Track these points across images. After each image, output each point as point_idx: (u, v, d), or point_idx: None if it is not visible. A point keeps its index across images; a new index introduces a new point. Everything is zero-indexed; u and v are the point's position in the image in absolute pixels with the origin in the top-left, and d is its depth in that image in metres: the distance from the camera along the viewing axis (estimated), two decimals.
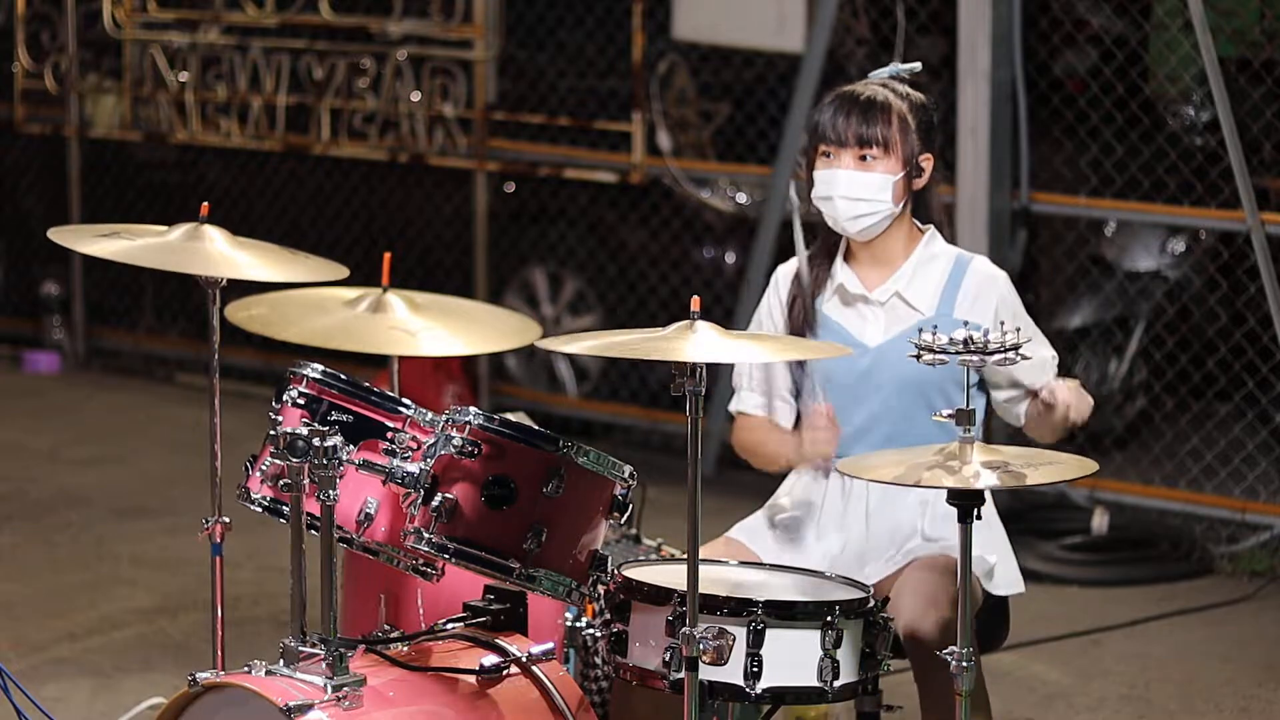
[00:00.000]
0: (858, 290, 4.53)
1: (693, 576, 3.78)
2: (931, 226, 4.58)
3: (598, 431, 8.95)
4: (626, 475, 4.11)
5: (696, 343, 3.83)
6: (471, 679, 4.13)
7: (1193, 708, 6.04)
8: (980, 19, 7.60)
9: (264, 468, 4.14)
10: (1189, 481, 7.72)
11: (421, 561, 4.14)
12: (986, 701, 4.46)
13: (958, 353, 3.83)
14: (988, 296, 4.49)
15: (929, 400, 4.41)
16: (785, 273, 4.65)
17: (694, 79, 8.94)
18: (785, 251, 4.86)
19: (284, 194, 9.99)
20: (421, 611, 4.52)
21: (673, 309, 8.37)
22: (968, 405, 3.85)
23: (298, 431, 3.93)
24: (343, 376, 4.20)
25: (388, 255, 5.09)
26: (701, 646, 3.79)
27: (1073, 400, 4.32)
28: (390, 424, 4.14)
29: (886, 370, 4.46)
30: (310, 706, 3.86)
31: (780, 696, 3.98)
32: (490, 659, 4.16)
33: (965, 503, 3.78)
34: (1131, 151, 7.81)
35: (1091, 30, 8.45)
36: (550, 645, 4.27)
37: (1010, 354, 3.85)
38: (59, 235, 4.42)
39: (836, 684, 3.98)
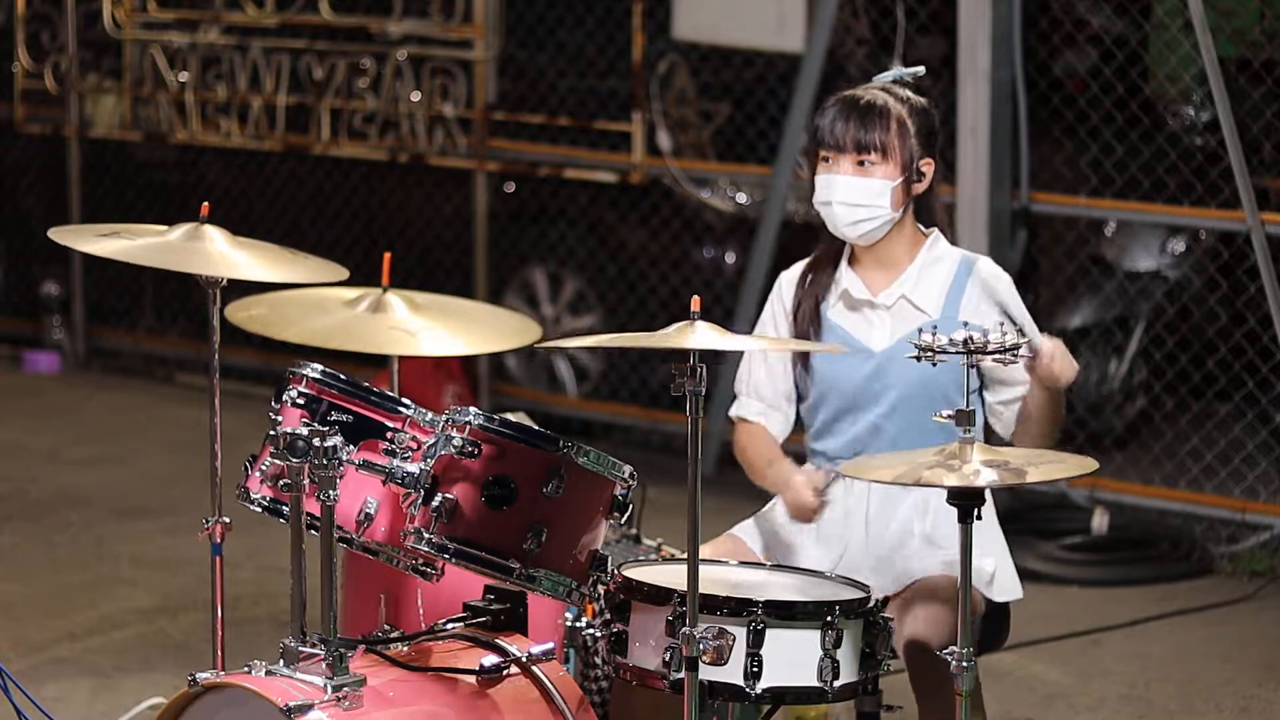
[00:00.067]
0: (863, 295, 4.53)
1: (693, 576, 3.78)
2: (935, 229, 4.57)
3: (598, 431, 8.95)
4: (626, 475, 4.11)
5: (696, 342, 3.83)
6: (471, 679, 4.13)
7: (1193, 708, 6.04)
8: (980, 19, 7.60)
9: (264, 468, 4.14)
10: (1189, 481, 7.72)
11: (421, 561, 4.14)
12: (982, 704, 4.46)
13: (957, 352, 3.83)
14: (993, 298, 4.49)
15: (935, 404, 4.40)
16: (789, 278, 4.65)
17: (694, 79, 8.94)
18: (785, 251, 4.86)
19: (284, 194, 10.00)
20: (421, 611, 4.52)
21: (673, 309, 8.37)
22: (967, 406, 3.85)
23: (298, 431, 3.93)
24: (342, 376, 4.20)
25: (388, 255, 5.09)
26: (701, 646, 3.79)
27: (1057, 350, 4.29)
28: (390, 424, 4.14)
29: (893, 374, 4.45)
30: (310, 706, 3.86)
31: (780, 696, 3.98)
32: (490, 659, 4.16)
33: (965, 503, 3.78)
34: (1131, 151, 7.81)
35: (1091, 30, 8.45)
36: (550, 645, 4.26)
37: (1010, 354, 3.85)
38: (59, 234, 4.42)
39: (836, 684, 3.98)
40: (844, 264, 4.57)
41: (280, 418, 4.16)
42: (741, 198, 8.80)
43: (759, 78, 8.96)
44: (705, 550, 4.49)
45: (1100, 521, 7.47)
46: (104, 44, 10.18)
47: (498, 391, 9.15)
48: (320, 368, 4.20)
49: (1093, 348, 8.40)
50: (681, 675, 3.85)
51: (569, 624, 4.66)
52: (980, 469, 3.76)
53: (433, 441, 4.07)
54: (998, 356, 3.86)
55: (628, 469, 4.12)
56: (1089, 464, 3.88)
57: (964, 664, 3.82)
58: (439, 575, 4.18)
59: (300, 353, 5.04)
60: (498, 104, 9.14)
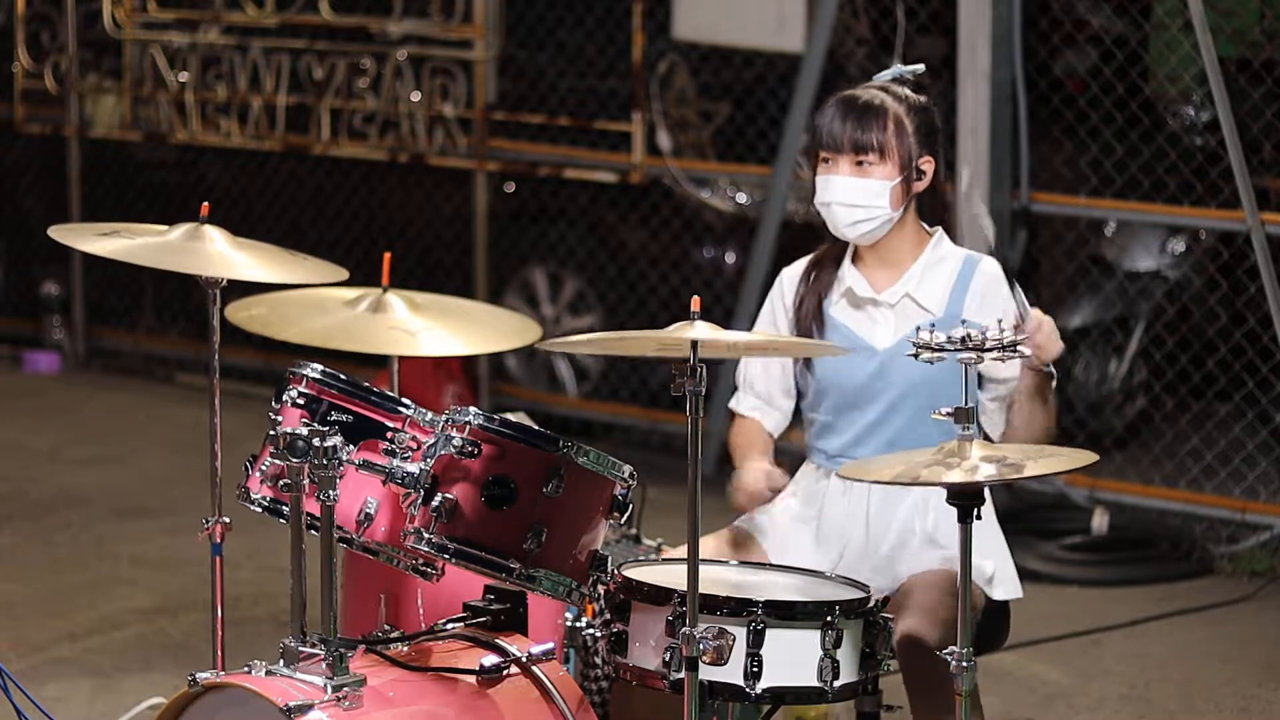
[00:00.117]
0: (866, 293, 4.53)
1: (693, 576, 3.78)
2: (940, 228, 4.57)
3: (598, 431, 8.95)
4: (626, 475, 4.11)
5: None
6: (471, 679, 4.13)
7: (1193, 708, 6.04)
8: (980, 19, 7.60)
9: (264, 468, 4.14)
10: (1189, 481, 7.72)
11: (421, 561, 4.14)
12: (979, 706, 4.45)
13: (956, 350, 3.83)
14: (995, 297, 4.49)
15: (937, 402, 4.39)
16: (790, 274, 4.65)
17: (694, 79, 8.94)
18: (785, 251, 4.86)
19: (284, 194, 10.00)
20: (421, 611, 4.52)
21: (673, 309, 8.37)
22: (966, 403, 3.85)
23: (298, 431, 3.93)
24: (342, 376, 4.20)
25: (388, 255, 5.09)
26: (701, 646, 3.78)
27: (1045, 323, 4.29)
28: (390, 424, 4.14)
29: (896, 372, 4.46)
30: (310, 707, 3.86)
31: (780, 696, 3.98)
32: (490, 659, 4.16)
33: (965, 502, 3.78)
34: (1131, 151, 7.81)
35: (1091, 30, 8.45)
36: (550, 645, 4.26)
37: (1008, 351, 3.85)
38: (59, 233, 4.42)
39: (836, 684, 3.98)
40: (847, 262, 4.58)
41: (280, 418, 4.16)
42: (741, 198, 8.80)
43: (759, 78, 8.96)
44: (709, 541, 4.50)
45: (1100, 521, 7.47)
46: (104, 44, 10.18)
47: (498, 391, 9.15)
48: (320, 368, 4.20)
49: (1093, 348, 8.40)
50: (681, 675, 3.85)
51: (569, 624, 4.66)
52: (979, 464, 3.76)
53: (433, 441, 4.06)
54: (998, 354, 3.86)
55: (628, 469, 4.12)
56: (1087, 456, 3.88)
57: (964, 664, 3.82)
58: (439, 575, 4.18)
59: (300, 353, 5.04)
60: (498, 104, 9.14)
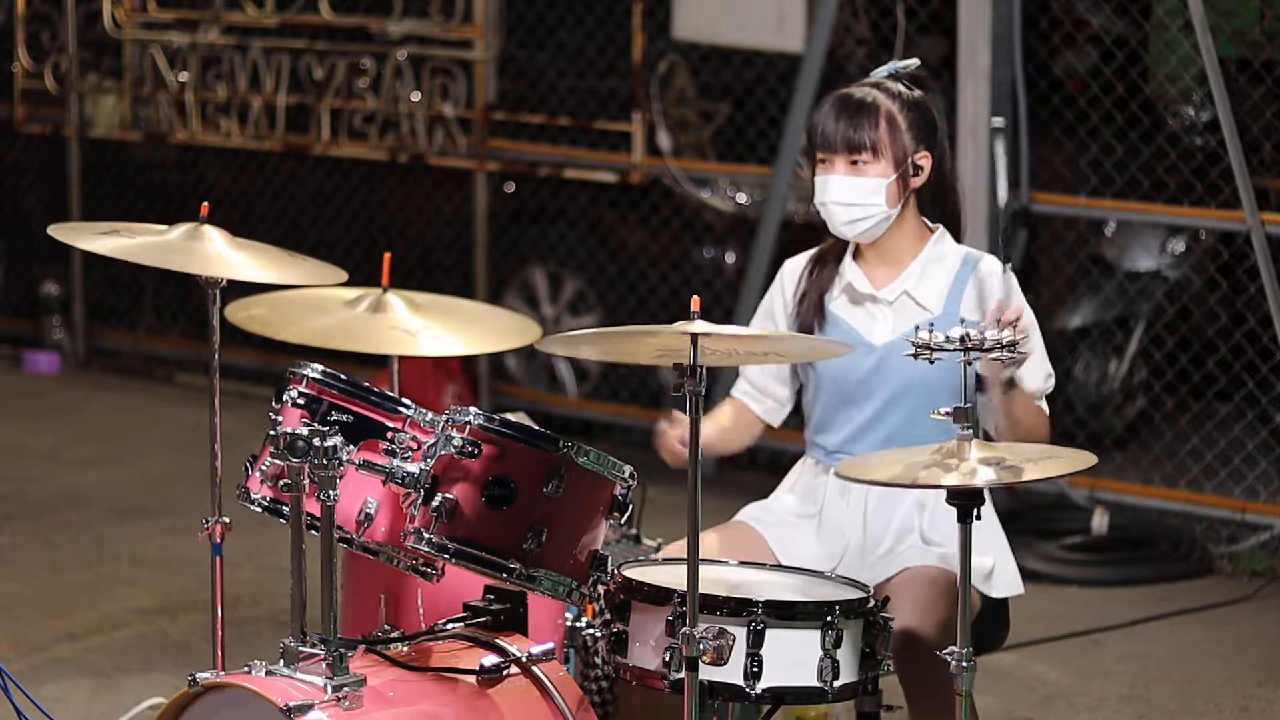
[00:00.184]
0: (866, 289, 4.53)
1: (693, 576, 3.78)
2: (941, 226, 4.57)
3: (598, 431, 8.95)
4: (626, 475, 4.11)
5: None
6: (471, 679, 4.13)
7: (1193, 708, 6.04)
8: (980, 19, 7.60)
9: (264, 468, 4.14)
10: (1189, 481, 7.72)
11: (421, 561, 4.14)
12: (974, 708, 4.45)
13: (955, 350, 3.83)
14: (993, 296, 4.48)
15: (934, 400, 4.40)
16: (793, 267, 4.65)
17: (694, 79, 8.94)
18: (785, 251, 4.86)
19: (284, 194, 10.00)
20: (421, 611, 4.52)
21: (673, 309, 8.37)
22: (965, 403, 3.85)
23: (298, 431, 3.93)
24: (343, 376, 4.20)
25: (388, 255, 5.09)
26: (701, 646, 3.78)
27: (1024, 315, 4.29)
28: (390, 424, 4.14)
29: (893, 369, 4.46)
30: (310, 706, 3.86)
31: (780, 696, 3.98)
32: (490, 659, 4.16)
33: (965, 502, 3.78)
34: (1131, 151, 7.81)
35: (1091, 30, 8.45)
36: (550, 645, 4.26)
37: (1008, 351, 3.85)
38: (59, 232, 4.42)
39: (836, 684, 3.98)
40: (848, 257, 4.58)
41: (280, 418, 4.16)
42: (741, 198, 8.80)
43: (759, 78, 8.96)
44: (710, 536, 4.49)
45: (1100, 521, 7.47)
46: (104, 44, 10.18)
47: (498, 391, 9.15)
48: (320, 368, 4.20)
49: (1093, 348, 8.40)
50: (681, 675, 3.84)
51: (569, 624, 4.66)
52: (978, 467, 3.76)
53: (433, 441, 4.06)
54: (996, 354, 3.86)
55: (628, 469, 4.12)
56: (1088, 458, 3.88)
57: (964, 664, 3.82)
58: (439, 575, 4.18)
59: (300, 353, 5.04)
60: (498, 104, 9.14)
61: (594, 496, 4.08)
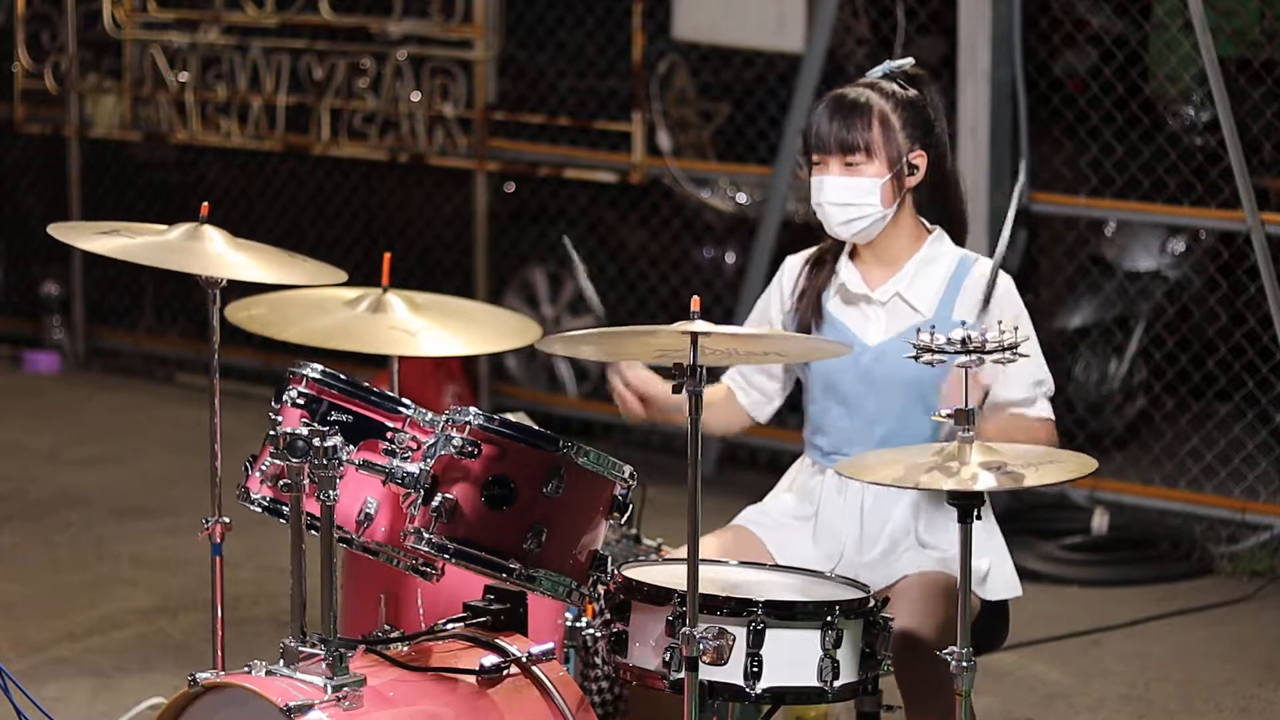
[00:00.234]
0: (860, 289, 4.53)
1: (693, 576, 3.78)
2: (939, 227, 4.56)
3: (598, 431, 8.95)
4: (626, 475, 4.11)
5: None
6: (471, 679, 4.13)
7: (1193, 708, 6.04)
8: (980, 19, 7.60)
9: (264, 468, 4.14)
10: (1189, 481, 7.72)
11: (421, 561, 4.14)
12: (972, 710, 4.45)
13: (956, 353, 3.83)
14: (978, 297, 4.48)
15: (926, 400, 4.41)
16: (793, 265, 4.66)
17: (694, 79, 8.94)
18: (785, 251, 4.86)
19: (284, 194, 10.00)
20: (421, 611, 4.51)
21: (673, 309, 8.37)
22: (965, 405, 3.85)
23: (298, 431, 3.93)
24: (342, 376, 4.20)
25: (388, 255, 5.09)
26: (701, 646, 3.78)
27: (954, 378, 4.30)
28: (390, 424, 4.14)
29: (886, 369, 4.46)
30: (310, 706, 3.86)
31: (780, 696, 3.98)
32: (490, 659, 4.16)
33: (964, 503, 3.78)
34: (1131, 151, 7.81)
35: (1091, 30, 8.45)
36: (550, 645, 4.26)
37: (1008, 354, 3.85)
38: (59, 231, 4.42)
39: (836, 684, 3.98)
40: (844, 257, 4.58)
41: (280, 418, 4.16)
42: (741, 198, 8.80)
43: (759, 78, 8.96)
44: (709, 541, 4.50)
45: (1100, 521, 7.48)
46: (104, 44, 10.18)
47: (498, 391, 9.15)
48: (320, 368, 4.20)
49: (1093, 348, 8.40)
50: (681, 675, 3.85)
51: (569, 624, 4.66)
52: (978, 472, 3.76)
53: (433, 441, 4.06)
54: (997, 357, 3.85)
55: (628, 469, 4.12)
56: (1089, 464, 3.88)
57: (964, 664, 3.82)
58: (439, 575, 4.18)
59: (300, 353, 5.04)
60: (498, 104, 9.14)
61: (594, 496, 4.08)
